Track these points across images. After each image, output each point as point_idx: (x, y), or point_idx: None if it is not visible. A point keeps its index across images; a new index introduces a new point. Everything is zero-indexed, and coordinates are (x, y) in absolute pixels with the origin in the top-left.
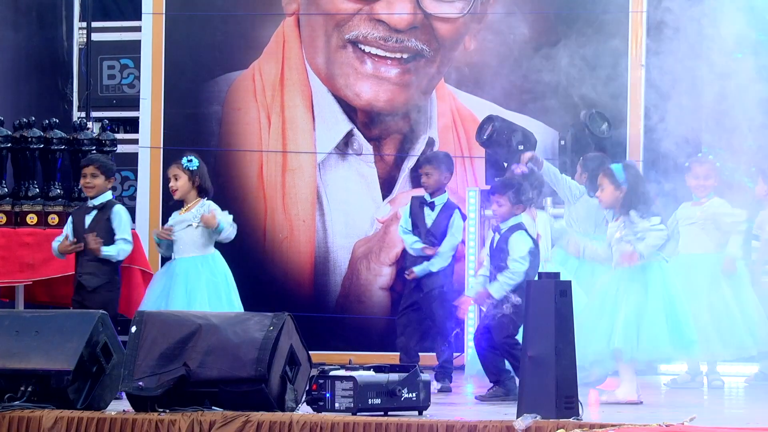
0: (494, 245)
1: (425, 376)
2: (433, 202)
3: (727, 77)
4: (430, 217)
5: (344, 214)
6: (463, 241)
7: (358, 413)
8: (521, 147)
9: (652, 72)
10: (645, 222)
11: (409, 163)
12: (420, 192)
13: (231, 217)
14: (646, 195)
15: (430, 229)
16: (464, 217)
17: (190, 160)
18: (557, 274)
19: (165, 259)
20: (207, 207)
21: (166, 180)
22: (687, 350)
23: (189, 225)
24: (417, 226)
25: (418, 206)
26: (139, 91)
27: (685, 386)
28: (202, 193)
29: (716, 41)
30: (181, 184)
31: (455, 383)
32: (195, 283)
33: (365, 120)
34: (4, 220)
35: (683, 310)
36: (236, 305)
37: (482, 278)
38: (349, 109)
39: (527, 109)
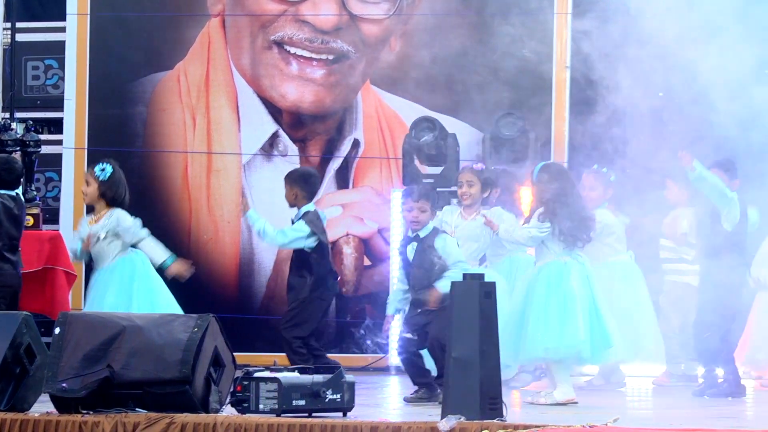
0: (413, 252)
1: (349, 377)
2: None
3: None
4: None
5: (269, 215)
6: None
7: (282, 414)
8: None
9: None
10: (534, 220)
11: (335, 165)
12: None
13: (140, 221)
14: (561, 195)
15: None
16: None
17: (103, 170)
18: (482, 275)
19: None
20: (115, 217)
21: None
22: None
23: (97, 238)
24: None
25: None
26: (63, 92)
27: (600, 388)
28: (112, 202)
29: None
30: (90, 191)
31: (380, 384)
32: (102, 296)
33: (291, 121)
34: None
35: (604, 313)
36: (160, 303)
37: (401, 293)
38: (274, 111)
39: (452, 110)
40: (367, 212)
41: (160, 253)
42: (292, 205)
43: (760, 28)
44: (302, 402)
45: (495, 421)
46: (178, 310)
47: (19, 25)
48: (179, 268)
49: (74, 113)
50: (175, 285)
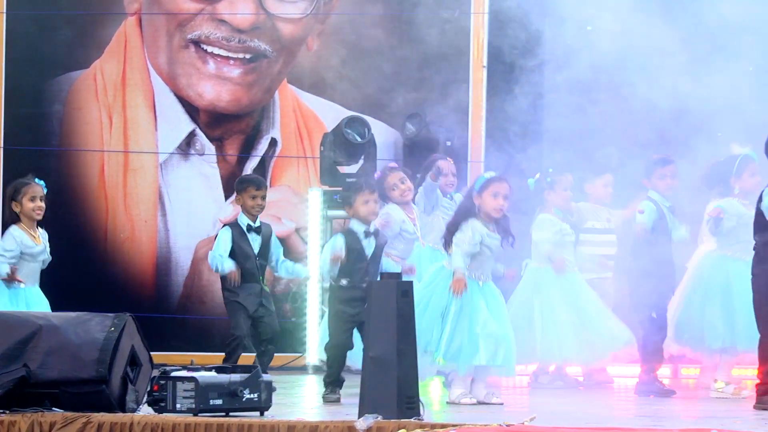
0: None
1: (267, 376)
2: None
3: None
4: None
5: (186, 214)
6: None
7: (199, 414)
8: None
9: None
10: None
11: (252, 164)
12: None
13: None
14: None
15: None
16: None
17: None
18: (399, 275)
19: None
20: (43, 233)
21: (6, 180)
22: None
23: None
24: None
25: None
26: None
27: (548, 386)
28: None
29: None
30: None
31: (298, 383)
32: None
33: (208, 120)
34: None
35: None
36: None
37: None
38: (191, 109)
39: (368, 110)
40: (285, 211)
41: None
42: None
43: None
44: (219, 401)
45: (412, 420)
46: None
47: None
48: None
49: None
50: (91, 284)
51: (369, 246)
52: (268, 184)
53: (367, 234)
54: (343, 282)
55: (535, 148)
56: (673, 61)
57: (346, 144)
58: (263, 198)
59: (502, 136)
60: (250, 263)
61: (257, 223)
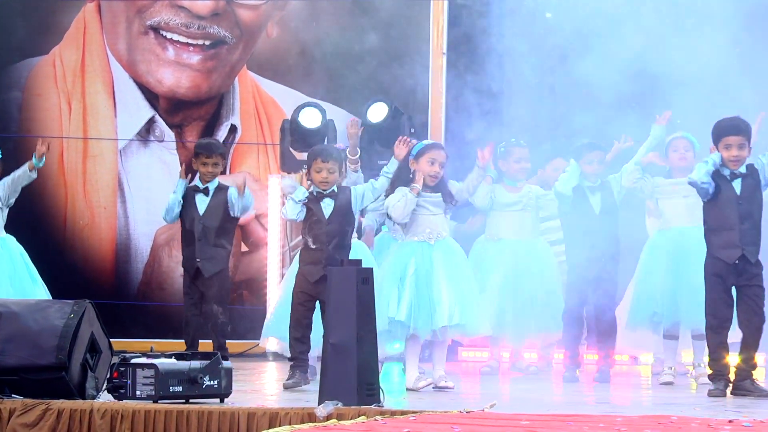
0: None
1: (227, 363)
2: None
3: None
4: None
5: (146, 201)
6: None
7: (159, 401)
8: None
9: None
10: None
11: None
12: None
13: None
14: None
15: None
16: None
17: None
18: (359, 261)
19: None
20: None
21: None
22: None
23: None
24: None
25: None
26: None
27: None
28: None
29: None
30: None
31: (257, 370)
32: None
33: (167, 107)
34: None
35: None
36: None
37: None
38: (151, 96)
39: (330, 97)
40: None
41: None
42: None
43: None
44: (179, 388)
45: (372, 407)
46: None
47: None
48: None
49: None
50: (51, 271)
51: (327, 207)
52: (227, 170)
53: (319, 196)
54: (309, 242)
55: (496, 134)
56: (634, 44)
57: (301, 131)
58: (215, 165)
59: (464, 122)
60: (189, 224)
61: (204, 186)
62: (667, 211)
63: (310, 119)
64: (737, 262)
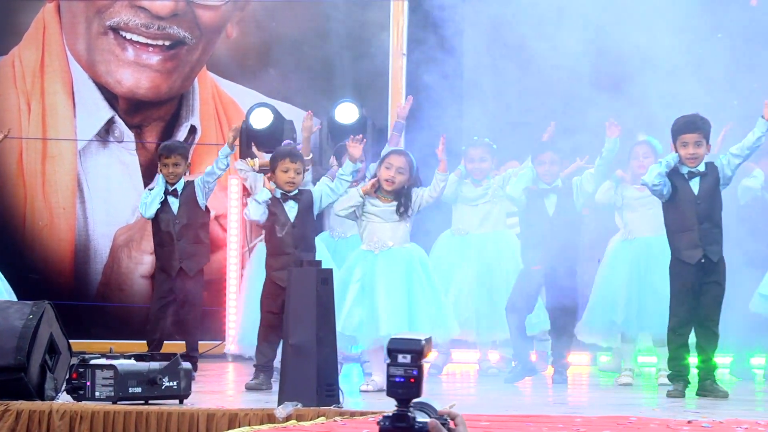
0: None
1: (186, 364)
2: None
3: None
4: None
5: (105, 201)
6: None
7: (118, 402)
8: (295, 135)
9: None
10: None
11: None
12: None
13: None
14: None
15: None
16: None
17: None
18: (319, 262)
19: None
20: None
21: None
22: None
23: None
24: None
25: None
26: None
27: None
28: None
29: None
30: None
31: (217, 371)
32: None
33: (127, 107)
34: None
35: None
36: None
37: None
38: (110, 96)
39: (289, 97)
40: None
41: None
42: None
43: None
44: (139, 389)
45: (332, 407)
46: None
47: None
48: None
49: None
50: (9, 272)
51: (291, 210)
52: (187, 171)
53: (283, 198)
54: (275, 247)
55: (455, 132)
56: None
57: (255, 132)
58: (175, 165)
59: (423, 122)
60: (165, 225)
61: (172, 187)
62: (632, 222)
63: (261, 119)
64: (702, 261)
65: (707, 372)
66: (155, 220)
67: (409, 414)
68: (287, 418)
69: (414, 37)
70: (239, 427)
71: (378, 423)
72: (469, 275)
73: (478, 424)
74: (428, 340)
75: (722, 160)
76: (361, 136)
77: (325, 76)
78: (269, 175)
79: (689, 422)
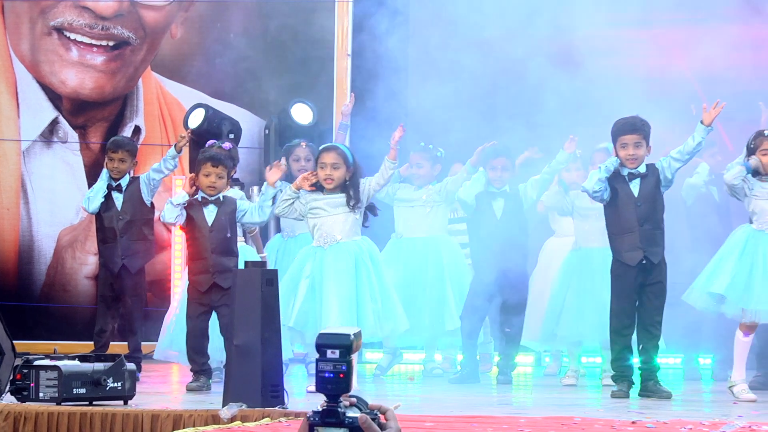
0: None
1: (130, 365)
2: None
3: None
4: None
5: (49, 202)
6: None
7: (62, 403)
8: (231, 135)
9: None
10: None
11: None
12: None
13: None
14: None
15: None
16: None
17: None
18: (264, 263)
19: None
20: None
21: None
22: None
23: None
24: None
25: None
26: None
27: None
28: None
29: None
30: None
31: (163, 372)
32: None
33: (71, 107)
34: None
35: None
36: None
37: None
38: (54, 97)
39: (233, 98)
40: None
41: None
42: None
43: None
44: (83, 390)
45: (276, 408)
46: None
47: None
48: None
49: None
50: None
51: (210, 214)
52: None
53: (204, 202)
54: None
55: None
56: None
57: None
58: (121, 161)
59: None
60: (108, 221)
61: (117, 183)
62: (582, 232)
63: (194, 120)
64: (644, 262)
65: (650, 373)
66: (99, 216)
67: (339, 409)
68: (232, 419)
69: (359, 37)
70: (184, 428)
71: (308, 419)
72: (398, 279)
73: (423, 425)
74: (357, 335)
75: (663, 162)
76: (278, 162)
77: (270, 77)
78: (194, 176)
79: (633, 423)
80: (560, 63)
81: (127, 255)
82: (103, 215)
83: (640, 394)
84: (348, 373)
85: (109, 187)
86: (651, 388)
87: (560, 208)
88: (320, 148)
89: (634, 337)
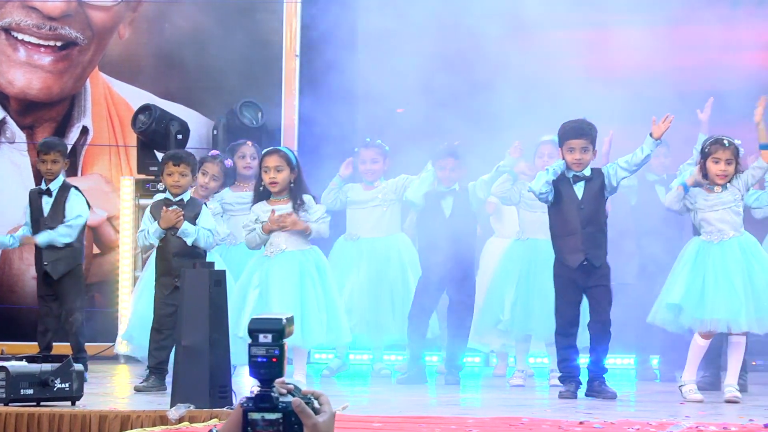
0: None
1: (78, 366)
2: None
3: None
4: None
5: None
6: None
7: (10, 404)
8: (180, 136)
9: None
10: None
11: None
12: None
13: None
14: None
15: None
16: None
17: None
18: (212, 264)
19: None
20: None
21: None
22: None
23: None
24: None
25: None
26: None
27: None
28: None
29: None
30: None
31: (109, 373)
32: None
33: (18, 108)
34: None
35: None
36: None
37: None
38: (1, 97)
39: (181, 98)
40: (96, 200)
41: None
42: None
43: None
44: (30, 391)
45: (224, 409)
46: None
47: None
48: None
49: None
50: None
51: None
52: (79, 172)
53: (168, 203)
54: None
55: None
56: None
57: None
58: (54, 162)
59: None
60: (37, 227)
61: (46, 186)
62: (527, 222)
63: (141, 122)
64: (585, 263)
65: (596, 373)
66: (30, 220)
67: (273, 394)
68: (180, 420)
69: (306, 38)
70: (131, 428)
71: (241, 405)
72: (361, 280)
73: (371, 425)
74: (290, 320)
75: (609, 169)
76: (177, 208)
77: (218, 77)
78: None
79: (581, 423)
80: (512, 47)
81: (49, 261)
82: (32, 220)
83: (585, 395)
84: (281, 358)
85: (39, 191)
86: (596, 388)
87: (508, 197)
88: (263, 152)
89: (586, 336)
